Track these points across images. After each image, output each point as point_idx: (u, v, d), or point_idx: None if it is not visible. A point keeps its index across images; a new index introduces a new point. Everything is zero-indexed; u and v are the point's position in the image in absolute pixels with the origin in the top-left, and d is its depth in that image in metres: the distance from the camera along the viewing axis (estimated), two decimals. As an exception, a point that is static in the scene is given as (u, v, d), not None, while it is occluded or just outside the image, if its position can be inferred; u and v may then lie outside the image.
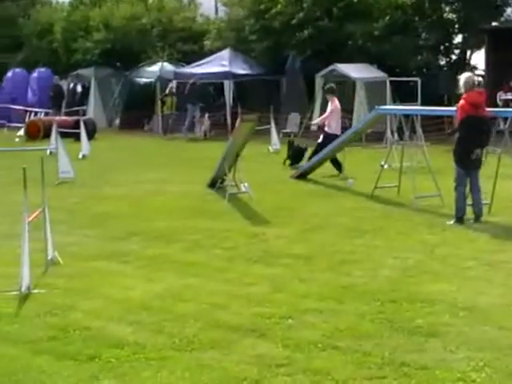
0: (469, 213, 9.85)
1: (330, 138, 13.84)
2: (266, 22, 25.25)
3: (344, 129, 15.28)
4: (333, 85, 15.29)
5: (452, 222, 9.69)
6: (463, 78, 9.80)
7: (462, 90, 9.83)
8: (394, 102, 19.44)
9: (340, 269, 7.62)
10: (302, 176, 13.97)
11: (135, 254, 8.44)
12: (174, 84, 24.89)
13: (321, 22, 24.14)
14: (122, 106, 27.26)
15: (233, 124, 20.64)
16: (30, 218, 7.20)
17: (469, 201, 9.86)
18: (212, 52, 27.00)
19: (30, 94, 28.92)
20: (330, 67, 22.69)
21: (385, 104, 17.26)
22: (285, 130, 22.82)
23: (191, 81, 23.32)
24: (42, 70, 29.43)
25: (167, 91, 23.94)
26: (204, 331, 5.87)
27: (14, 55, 31.84)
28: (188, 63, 26.81)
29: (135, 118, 26.14)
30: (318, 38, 24.38)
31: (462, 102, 9.67)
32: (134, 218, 10.46)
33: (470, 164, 9.69)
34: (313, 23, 24.28)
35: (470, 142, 9.61)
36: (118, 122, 27.11)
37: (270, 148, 19.01)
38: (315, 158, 13.87)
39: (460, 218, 9.72)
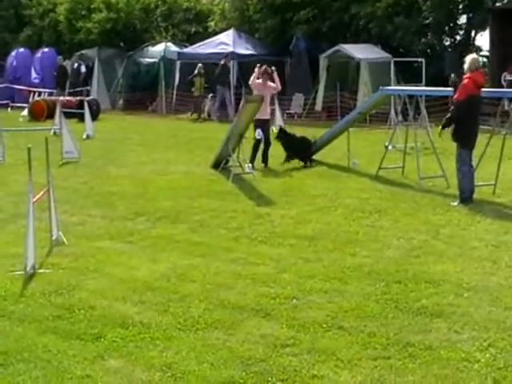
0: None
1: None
2: (269, 1, 25.08)
3: (348, 110, 15.20)
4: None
5: (456, 203, 9.65)
6: (469, 58, 9.81)
7: (466, 69, 9.78)
8: (398, 82, 19.33)
9: (345, 249, 7.61)
10: (307, 157, 13.90)
11: (140, 234, 8.43)
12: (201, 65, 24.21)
13: (325, 2, 23.98)
14: (125, 87, 27.16)
15: (237, 105, 20.58)
16: (35, 199, 7.17)
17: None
18: (216, 33, 26.86)
19: (33, 74, 28.79)
20: (335, 48, 22.55)
21: (389, 85, 17.15)
22: (289, 111, 22.76)
23: (222, 61, 22.90)
24: (46, 50, 29.30)
25: (196, 72, 23.54)
26: (209, 311, 5.87)
27: (17, 35, 31.74)
28: (192, 44, 26.67)
29: (139, 99, 26.05)
30: (323, 18, 24.26)
31: (466, 81, 9.63)
32: (139, 198, 10.44)
33: (471, 143, 9.66)
34: (317, 3, 24.13)
35: (473, 121, 9.59)
36: (121, 102, 27.01)
37: (274, 128, 18.89)
38: (320, 139, 13.79)
39: (466, 198, 9.68)
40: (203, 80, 23.60)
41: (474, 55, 10.17)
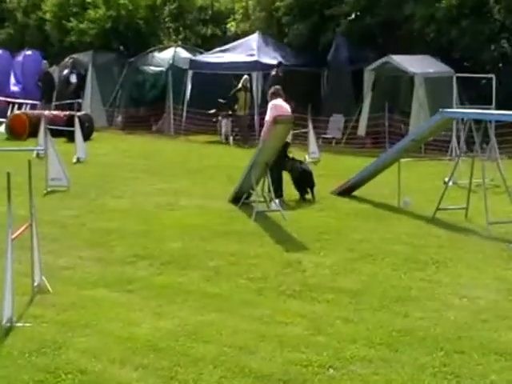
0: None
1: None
2: (303, 1, 25.39)
3: (401, 136, 15.28)
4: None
5: None
6: None
7: None
8: (462, 103, 19.41)
9: (394, 308, 7.60)
10: (347, 192, 13.98)
11: (143, 281, 8.48)
12: (250, 76, 23.68)
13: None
14: (125, 100, 27.46)
15: (261, 126, 20.73)
16: (15, 235, 7.26)
17: None
18: (237, 37, 27.19)
19: (13, 81, 29.23)
20: (383, 59, 22.73)
21: (450, 106, 17.22)
22: (325, 136, 22.87)
23: (273, 71, 22.81)
24: (29, 53, 29.76)
25: (240, 85, 23.52)
26: (226, 380, 5.89)
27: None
28: (208, 50, 27.00)
29: (141, 116, 26.33)
30: (368, 21, 24.40)
31: None
32: (141, 238, 10.52)
33: None
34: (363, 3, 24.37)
35: None
36: (120, 119, 27.32)
37: (308, 157, 19.05)
38: (364, 172, 13.86)
39: None
40: (249, 96, 23.38)
41: None
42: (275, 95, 13.37)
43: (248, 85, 23.33)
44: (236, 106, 23.51)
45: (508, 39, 23.93)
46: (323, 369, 6.11)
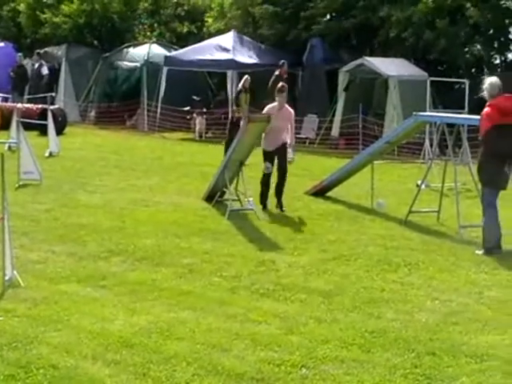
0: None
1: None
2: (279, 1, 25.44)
3: (374, 138, 15.34)
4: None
5: (481, 252, 9.98)
6: (488, 82, 10.12)
7: (486, 96, 10.03)
8: (436, 107, 19.53)
9: (367, 309, 7.64)
10: (321, 192, 14.03)
11: (115, 277, 8.46)
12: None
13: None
14: (99, 95, 27.34)
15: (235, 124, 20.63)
16: (-13, 228, 7.23)
17: None
18: (212, 34, 27.15)
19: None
20: (358, 60, 22.81)
21: (424, 110, 17.33)
22: (300, 136, 22.82)
23: (277, 72, 22.25)
24: (2, 44, 29.51)
25: (240, 85, 23.00)
26: (199, 377, 5.89)
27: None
28: (183, 47, 26.95)
29: (115, 111, 26.21)
30: (344, 23, 24.48)
31: (487, 109, 9.97)
32: (115, 234, 10.49)
33: (500, 183, 10.02)
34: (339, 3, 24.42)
35: (499, 156, 9.87)
36: (93, 114, 27.18)
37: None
38: (338, 173, 13.91)
39: (491, 248, 9.97)
40: (248, 97, 22.95)
41: (493, 77, 10.33)
42: (280, 92, 12.72)
43: (247, 85, 22.85)
44: (234, 108, 22.98)
45: (483, 43, 24.08)
46: (296, 368, 6.13)
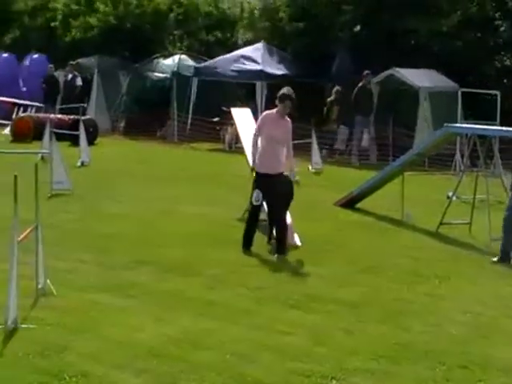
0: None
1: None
2: (307, 11, 25.44)
3: (404, 149, 15.28)
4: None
5: (496, 259, 10.11)
6: None
7: None
8: (466, 119, 19.41)
9: (397, 321, 7.62)
10: (350, 204, 14.00)
11: (144, 287, 8.50)
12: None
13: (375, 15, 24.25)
14: (129, 106, 27.47)
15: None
16: (21, 238, 7.27)
17: None
18: (240, 45, 27.22)
19: (20, 84, 29.25)
20: (388, 71, 22.75)
21: (455, 121, 17.24)
22: (332, 147, 22.69)
23: (360, 83, 21.75)
24: (36, 56, 29.81)
25: (332, 96, 22.31)
26: (228, 388, 5.90)
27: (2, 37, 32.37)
28: (211, 57, 27.02)
29: (145, 122, 26.30)
30: (372, 34, 24.46)
31: None
32: (143, 244, 10.53)
33: None
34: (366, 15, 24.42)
35: None
36: (123, 124, 27.30)
37: (311, 167, 19.10)
38: (367, 184, 13.88)
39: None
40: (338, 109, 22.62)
41: None
42: (282, 100, 10.39)
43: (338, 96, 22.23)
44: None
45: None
46: (326, 380, 6.11)
